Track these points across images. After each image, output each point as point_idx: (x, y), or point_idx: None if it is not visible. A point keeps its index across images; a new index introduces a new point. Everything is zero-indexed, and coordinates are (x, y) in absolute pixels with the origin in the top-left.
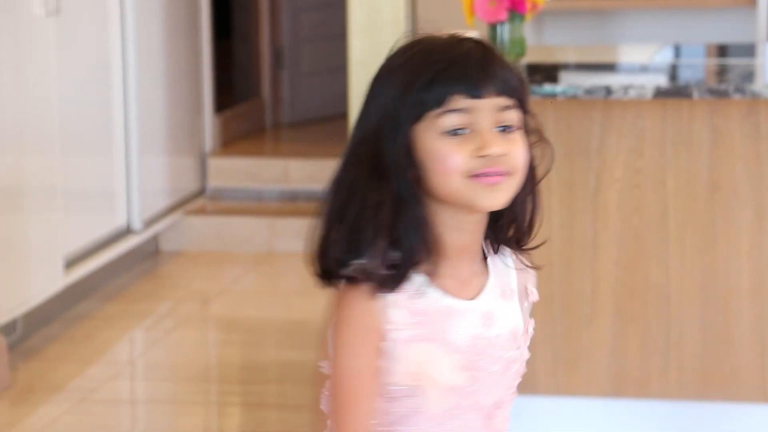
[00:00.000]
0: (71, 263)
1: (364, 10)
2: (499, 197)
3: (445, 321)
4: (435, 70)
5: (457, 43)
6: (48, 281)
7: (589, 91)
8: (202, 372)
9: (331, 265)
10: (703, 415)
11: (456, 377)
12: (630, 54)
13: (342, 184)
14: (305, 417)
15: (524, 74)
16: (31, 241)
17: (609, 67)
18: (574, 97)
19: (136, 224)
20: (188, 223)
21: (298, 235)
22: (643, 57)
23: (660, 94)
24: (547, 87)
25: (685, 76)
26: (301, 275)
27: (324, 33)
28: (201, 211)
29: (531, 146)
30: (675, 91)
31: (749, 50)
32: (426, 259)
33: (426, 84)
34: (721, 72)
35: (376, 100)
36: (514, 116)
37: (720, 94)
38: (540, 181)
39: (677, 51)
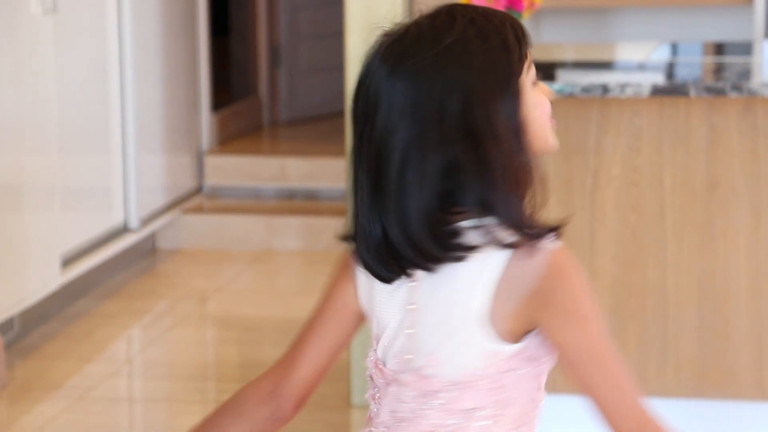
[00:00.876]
0: (68, 261)
1: (361, 8)
2: None
3: None
4: (511, 27)
5: (491, 7)
6: (45, 279)
7: (586, 89)
8: (200, 370)
9: (455, 243)
10: (700, 412)
11: None
12: (627, 52)
13: (456, 163)
14: (302, 415)
15: None
16: (29, 239)
17: (606, 65)
18: (571, 95)
19: (134, 222)
20: (185, 222)
21: (295, 233)
22: (640, 55)
23: (657, 92)
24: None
25: (682, 74)
26: (299, 273)
27: (321, 31)
28: (198, 210)
29: None
30: (672, 89)
31: (746, 48)
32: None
33: (516, 41)
34: (718, 70)
35: (454, 75)
36: None
37: (717, 92)
38: None
39: (674, 49)
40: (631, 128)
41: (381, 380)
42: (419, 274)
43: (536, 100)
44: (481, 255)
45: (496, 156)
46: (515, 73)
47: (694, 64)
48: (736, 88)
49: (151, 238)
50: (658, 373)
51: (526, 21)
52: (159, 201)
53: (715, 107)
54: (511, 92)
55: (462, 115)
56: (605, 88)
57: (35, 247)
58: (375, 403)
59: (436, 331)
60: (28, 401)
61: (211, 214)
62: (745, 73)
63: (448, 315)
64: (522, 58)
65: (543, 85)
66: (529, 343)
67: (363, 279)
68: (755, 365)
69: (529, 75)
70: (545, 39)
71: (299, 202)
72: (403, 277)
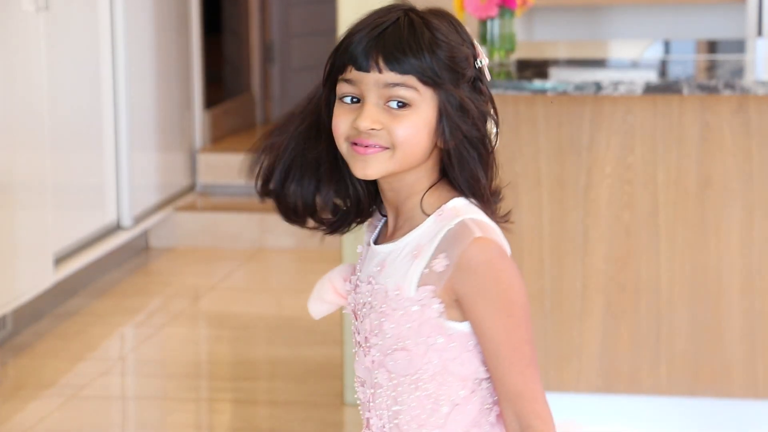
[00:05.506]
0: (61, 259)
1: (353, 5)
2: (367, 168)
3: (363, 260)
4: (345, 38)
5: (385, 13)
6: (38, 277)
7: (580, 87)
8: (193, 368)
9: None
10: (693, 411)
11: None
12: (620, 50)
13: (293, 135)
14: (296, 414)
15: (459, 50)
16: (21, 238)
17: (599, 63)
18: (564, 93)
19: (126, 220)
20: (178, 220)
21: (288, 232)
22: (633, 53)
23: (650, 89)
24: (537, 83)
25: (675, 71)
26: (292, 271)
27: (314, 28)
28: (191, 208)
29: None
30: (665, 87)
31: (739, 46)
32: (359, 210)
33: (336, 50)
34: (711, 68)
35: None
36: (404, 92)
37: (710, 90)
38: (483, 151)
39: (667, 47)
40: (624, 126)
41: None
42: None
43: (333, 115)
44: None
45: (311, 146)
46: (327, 78)
47: (687, 62)
48: (729, 85)
49: (144, 236)
50: (651, 372)
51: (519, 19)
52: (152, 199)
53: (708, 105)
54: (323, 95)
55: (309, 98)
56: (598, 86)
57: (28, 245)
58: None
59: None
60: (21, 399)
61: (203, 212)
62: (738, 71)
63: None
64: (332, 69)
65: (342, 109)
66: None
67: None
68: (748, 363)
69: (338, 89)
70: (538, 37)
71: None
72: None
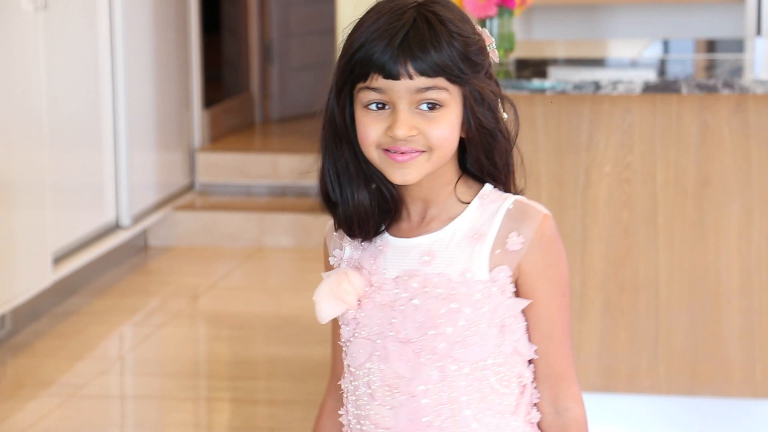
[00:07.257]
0: (60, 259)
1: (352, 4)
2: (407, 174)
3: (376, 257)
4: (361, 43)
5: (399, 15)
6: (37, 277)
7: (578, 86)
8: (191, 367)
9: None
10: (691, 410)
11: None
12: (619, 49)
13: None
14: (294, 413)
15: (473, 40)
16: (20, 237)
17: (598, 62)
18: (563, 93)
19: (125, 220)
20: (177, 219)
21: (287, 231)
22: (631, 52)
23: (649, 89)
24: (536, 82)
25: (674, 71)
26: (290, 270)
27: (313, 28)
28: (190, 207)
29: (476, 111)
30: (664, 86)
31: (738, 45)
32: (387, 209)
33: (351, 58)
34: (710, 67)
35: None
36: (436, 95)
37: (709, 89)
38: (505, 138)
39: (666, 46)
40: (623, 125)
41: None
42: None
43: (358, 122)
44: None
45: (335, 152)
46: (341, 83)
47: (685, 61)
48: (728, 85)
49: (143, 235)
50: (649, 371)
51: (518, 18)
52: (150, 198)
53: (706, 104)
54: (338, 100)
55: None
56: (597, 85)
57: (27, 245)
58: None
59: None
60: (20, 399)
61: (202, 211)
62: (737, 70)
63: None
64: (349, 74)
65: (370, 117)
66: None
67: None
68: (747, 362)
69: (360, 97)
70: (537, 36)
71: (291, 199)
72: None
